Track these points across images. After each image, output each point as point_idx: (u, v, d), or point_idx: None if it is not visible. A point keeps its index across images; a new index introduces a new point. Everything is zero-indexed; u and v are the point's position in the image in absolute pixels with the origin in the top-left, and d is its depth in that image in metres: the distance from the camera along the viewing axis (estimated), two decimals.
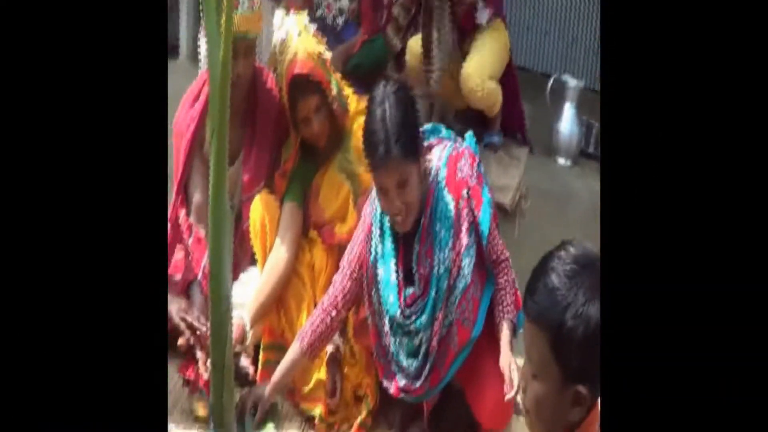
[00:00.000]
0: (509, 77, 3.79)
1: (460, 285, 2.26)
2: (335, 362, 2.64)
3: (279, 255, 2.71)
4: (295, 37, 2.65)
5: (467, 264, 2.25)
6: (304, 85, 2.63)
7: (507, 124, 3.92)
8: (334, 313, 2.45)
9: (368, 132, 2.20)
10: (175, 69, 4.21)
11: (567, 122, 4.06)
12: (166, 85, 1.32)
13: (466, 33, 3.69)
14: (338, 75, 2.83)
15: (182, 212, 2.75)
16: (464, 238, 2.25)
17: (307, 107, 2.66)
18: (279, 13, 2.73)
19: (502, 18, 3.76)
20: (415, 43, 3.67)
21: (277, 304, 2.73)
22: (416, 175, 2.20)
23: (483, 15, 3.61)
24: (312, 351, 2.48)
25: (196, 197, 2.78)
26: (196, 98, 2.83)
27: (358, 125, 2.68)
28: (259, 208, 2.78)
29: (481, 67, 3.58)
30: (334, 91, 2.69)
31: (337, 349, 2.64)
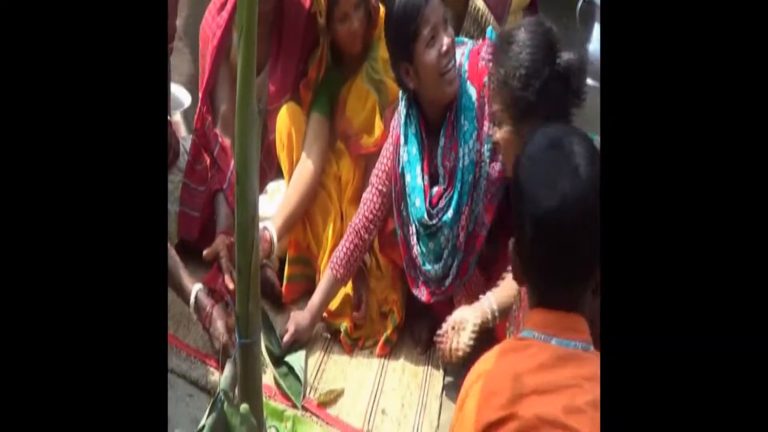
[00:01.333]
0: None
1: (484, 173, 2.26)
2: (361, 275, 2.62)
3: (306, 167, 2.67)
4: None
5: (488, 149, 2.25)
6: None
7: None
8: (366, 235, 2.48)
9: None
10: None
11: (597, 42, 3.96)
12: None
13: None
14: None
15: (208, 120, 2.70)
16: (487, 126, 2.24)
17: (348, 1, 2.57)
18: None
19: None
20: None
21: (303, 218, 2.70)
22: None
23: None
24: (346, 277, 2.52)
25: (223, 107, 2.72)
26: (224, 5, 2.75)
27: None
28: (285, 120, 2.73)
29: None
30: None
31: (363, 262, 2.62)
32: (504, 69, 1.93)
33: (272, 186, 2.82)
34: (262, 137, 2.74)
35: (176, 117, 3.30)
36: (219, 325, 2.35)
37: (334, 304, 2.62)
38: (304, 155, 2.69)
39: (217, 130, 2.71)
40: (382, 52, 2.61)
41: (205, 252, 2.45)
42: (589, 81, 3.88)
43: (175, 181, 2.76)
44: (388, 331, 2.58)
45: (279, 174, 2.80)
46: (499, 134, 2.01)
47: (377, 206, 2.46)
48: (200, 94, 2.73)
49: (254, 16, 1.61)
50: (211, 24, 2.74)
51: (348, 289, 2.62)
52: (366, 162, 2.67)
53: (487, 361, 1.36)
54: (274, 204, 2.73)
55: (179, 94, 3.42)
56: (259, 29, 2.51)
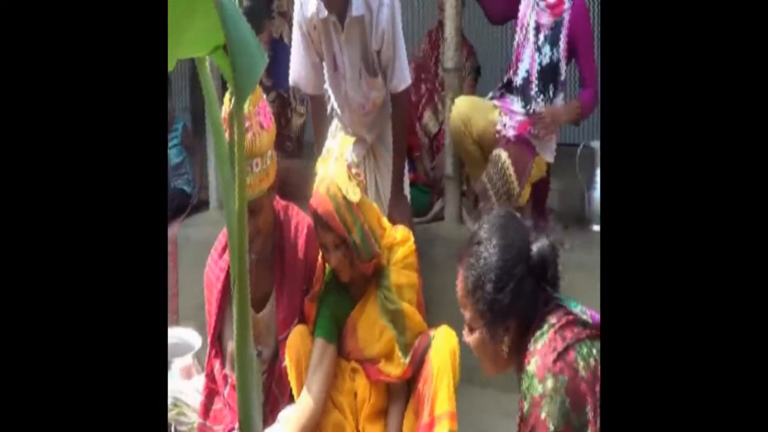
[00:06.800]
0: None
1: None
2: None
3: (304, 404, 2.60)
4: (332, 162, 2.53)
5: None
6: (321, 221, 2.52)
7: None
8: None
9: None
10: (205, 219, 4.29)
11: (599, 187, 3.77)
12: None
13: None
14: (374, 222, 2.59)
15: (217, 363, 2.77)
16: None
17: (325, 239, 2.56)
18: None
19: None
20: (460, 102, 3.67)
21: None
22: None
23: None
24: None
25: (230, 347, 2.77)
26: (225, 248, 2.82)
27: (396, 258, 2.65)
28: (295, 345, 2.69)
29: None
30: (358, 239, 2.50)
31: None
32: (474, 273, 1.88)
33: (283, 414, 2.73)
34: (273, 365, 2.77)
35: (188, 360, 3.32)
36: None
37: None
38: (305, 389, 2.61)
39: (227, 371, 2.77)
40: (395, 277, 2.60)
41: None
42: (595, 227, 3.81)
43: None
44: None
45: (291, 400, 2.75)
46: (471, 338, 1.95)
47: None
48: (209, 339, 2.81)
49: (245, 263, 1.68)
50: (214, 269, 2.85)
51: None
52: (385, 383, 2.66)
53: None
54: None
55: (189, 337, 3.46)
56: (258, 263, 2.62)
